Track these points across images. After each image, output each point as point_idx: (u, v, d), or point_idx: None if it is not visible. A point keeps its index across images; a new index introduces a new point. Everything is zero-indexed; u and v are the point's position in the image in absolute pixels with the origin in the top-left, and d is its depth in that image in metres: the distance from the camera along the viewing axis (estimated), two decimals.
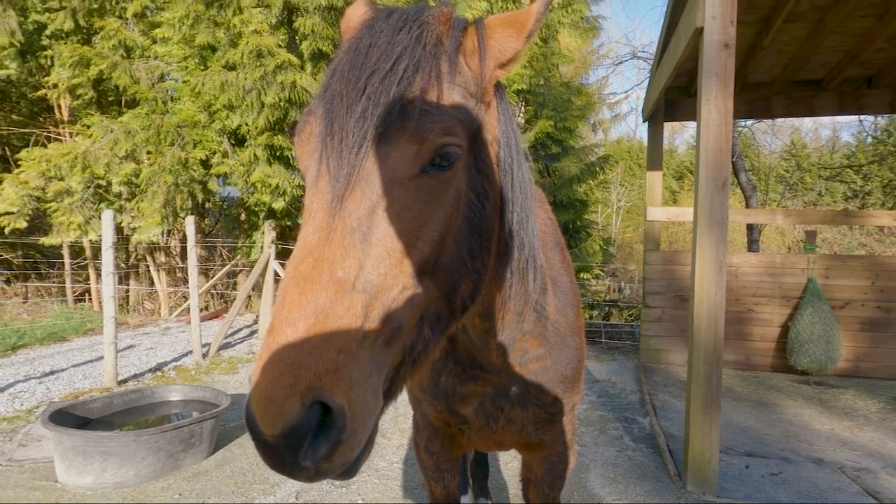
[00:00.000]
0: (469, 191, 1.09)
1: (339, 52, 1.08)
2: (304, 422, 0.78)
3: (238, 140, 9.62)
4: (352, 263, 0.88)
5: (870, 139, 26.84)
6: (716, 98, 3.65)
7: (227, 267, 10.99)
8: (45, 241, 9.90)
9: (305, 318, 0.82)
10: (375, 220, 0.93)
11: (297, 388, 0.77)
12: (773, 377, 6.68)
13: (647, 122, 7.84)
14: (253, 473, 4.07)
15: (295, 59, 8.44)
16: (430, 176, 0.98)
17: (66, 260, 11.90)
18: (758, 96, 7.62)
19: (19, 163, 9.59)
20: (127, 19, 10.38)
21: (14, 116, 11.90)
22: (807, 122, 33.34)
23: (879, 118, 22.56)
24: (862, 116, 15.24)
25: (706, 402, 3.67)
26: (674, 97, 7.66)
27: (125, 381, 6.33)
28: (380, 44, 1.01)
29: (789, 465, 4.16)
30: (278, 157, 9.07)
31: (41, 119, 12.38)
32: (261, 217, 9.75)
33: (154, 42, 10.15)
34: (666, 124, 8.10)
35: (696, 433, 3.69)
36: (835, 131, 34.43)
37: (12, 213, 9.40)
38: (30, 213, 9.74)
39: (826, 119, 34.77)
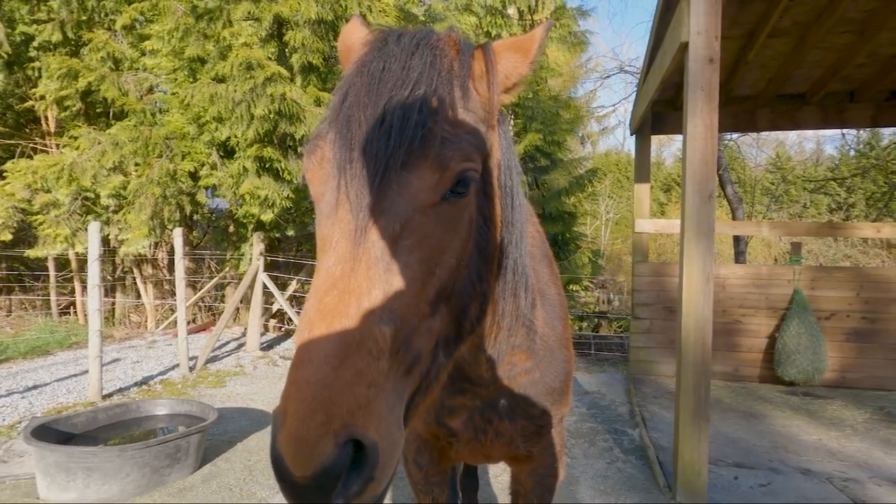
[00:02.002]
0: (478, 215, 1.09)
1: (348, 74, 1.06)
2: (339, 461, 0.75)
3: (227, 152, 9.57)
4: (377, 295, 0.87)
5: (853, 152, 27.30)
6: (701, 112, 3.71)
7: (215, 279, 10.90)
8: (31, 253, 9.78)
9: (335, 354, 0.79)
10: (398, 249, 0.91)
11: (331, 427, 0.75)
12: (760, 388, 6.72)
13: (634, 135, 7.92)
14: (240, 489, 4.02)
15: (285, 72, 8.44)
16: (450, 203, 0.98)
17: (52, 272, 11.75)
18: (743, 110, 7.73)
19: (5, 174, 9.49)
20: (116, 31, 10.34)
21: (0, 128, 11.80)
22: (791, 136, 33.90)
23: (861, 132, 22.94)
24: (844, 130, 15.49)
25: (695, 413, 3.68)
26: (660, 110, 7.75)
27: (110, 395, 6.24)
28: (394, 68, 1.00)
29: (777, 476, 4.17)
30: (267, 168, 9.03)
31: (27, 130, 12.26)
32: (249, 229, 9.68)
33: (143, 54, 10.10)
34: (653, 137, 8.19)
35: (686, 445, 3.70)
36: (819, 144, 35.01)
37: None
38: (15, 224, 9.65)
39: (810, 132, 35.34)
